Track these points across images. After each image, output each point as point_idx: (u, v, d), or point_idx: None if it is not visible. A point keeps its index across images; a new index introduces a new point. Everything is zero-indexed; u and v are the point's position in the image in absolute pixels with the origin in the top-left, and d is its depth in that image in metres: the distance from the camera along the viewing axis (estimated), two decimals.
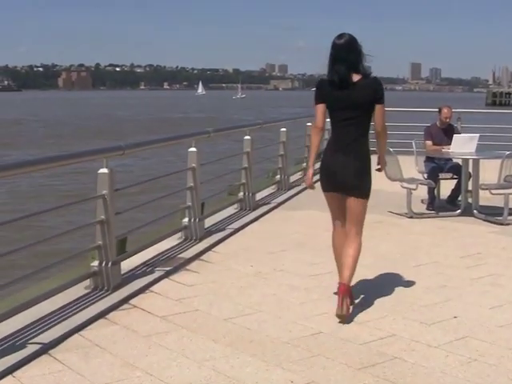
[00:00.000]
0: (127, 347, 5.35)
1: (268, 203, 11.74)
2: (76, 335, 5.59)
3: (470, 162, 10.73)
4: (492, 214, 10.35)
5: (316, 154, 6.30)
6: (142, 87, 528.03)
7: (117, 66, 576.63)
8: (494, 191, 10.07)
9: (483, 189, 10.36)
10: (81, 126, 61.83)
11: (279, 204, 11.77)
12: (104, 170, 6.73)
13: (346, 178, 6.02)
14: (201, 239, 8.89)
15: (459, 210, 10.72)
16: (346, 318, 5.85)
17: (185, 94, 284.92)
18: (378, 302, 6.44)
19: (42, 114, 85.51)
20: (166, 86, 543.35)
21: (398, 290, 6.82)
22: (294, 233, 9.48)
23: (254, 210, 11.03)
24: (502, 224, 9.97)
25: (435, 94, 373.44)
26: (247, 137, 11.13)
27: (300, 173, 15.26)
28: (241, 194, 11.10)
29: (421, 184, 10.71)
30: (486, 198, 10.69)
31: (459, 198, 11.06)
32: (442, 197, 11.58)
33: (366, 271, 7.37)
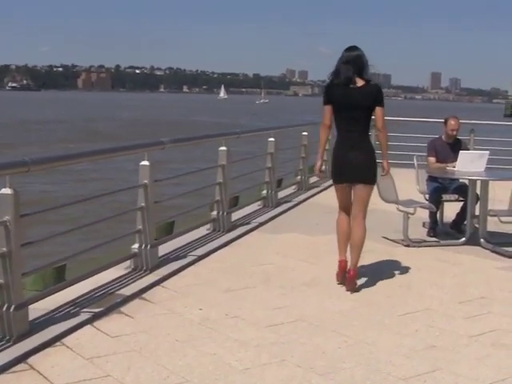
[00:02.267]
0: None
1: (247, 223, 10.31)
2: None
3: (478, 182, 9.24)
4: (502, 244, 8.88)
5: (324, 148, 7.30)
6: (162, 90, 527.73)
7: (137, 68, 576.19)
8: (503, 218, 8.58)
9: (491, 215, 8.88)
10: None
11: (260, 224, 10.32)
12: (6, 191, 5.33)
13: (358, 169, 6.90)
14: (152, 270, 7.51)
15: (464, 238, 9.24)
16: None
17: (207, 97, 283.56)
18: (344, 370, 4.97)
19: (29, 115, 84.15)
20: (185, 89, 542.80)
21: (373, 352, 5.35)
22: (267, 263, 8.04)
23: (228, 231, 9.62)
24: None
25: (454, 103, 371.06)
26: (222, 148, 9.69)
27: (294, 186, 13.84)
28: (214, 212, 9.68)
29: (421, 207, 9.22)
30: (496, 223, 9.23)
31: (465, 223, 9.54)
32: (446, 219, 10.09)
33: (340, 319, 6.00)
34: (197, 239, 9.07)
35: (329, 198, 11.87)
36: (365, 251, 8.32)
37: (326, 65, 7.41)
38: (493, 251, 8.81)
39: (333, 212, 10.41)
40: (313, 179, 14.81)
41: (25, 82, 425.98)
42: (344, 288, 7.01)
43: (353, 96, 6.83)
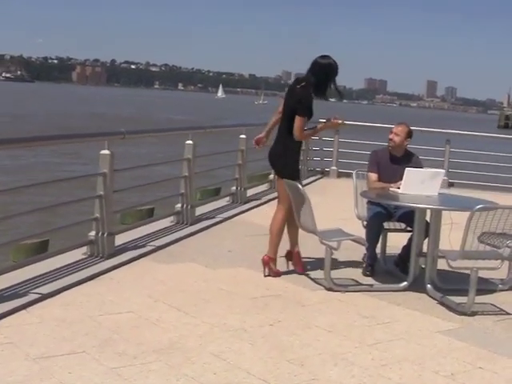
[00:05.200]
0: None
1: (141, 246, 8.17)
2: None
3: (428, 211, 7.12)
4: (456, 292, 6.77)
5: (269, 128, 7.70)
6: (157, 86, 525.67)
7: (132, 63, 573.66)
8: (453, 263, 6.44)
9: (439, 256, 6.77)
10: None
11: (157, 249, 8.18)
12: None
13: (271, 162, 7.43)
14: None
15: (405, 283, 7.10)
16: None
17: (204, 96, 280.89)
18: None
19: None
20: (180, 86, 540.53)
21: None
22: (125, 311, 5.91)
23: (109, 257, 7.47)
24: (464, 313, 6.34)
25: (449, 112, 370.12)
26: (105, 151, 7.55)
27: (227, 199, 11.67)
28: (92, 233, 7.55)
29: (352, 240, 7.09)
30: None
31: None
32: (394, 250, 7.93)
33: None
34: (62, 267, 6.97)
35: (264, 215, 9.82)
36: (268, 295, 6.32)
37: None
38: (440, 303, 6.67)
39: (259, 235, 8.45)
40: (253, 190, 12.68)
41: (19, 72, 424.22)
42: (207, 364, 4.88)
43: (286, 96, 7.30)
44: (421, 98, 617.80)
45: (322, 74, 7.07)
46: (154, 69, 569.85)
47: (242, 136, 11.72)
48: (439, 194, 7.31)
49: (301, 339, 5.43)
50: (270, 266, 7.22)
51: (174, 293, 6.48)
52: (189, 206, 9.59)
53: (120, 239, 8.07)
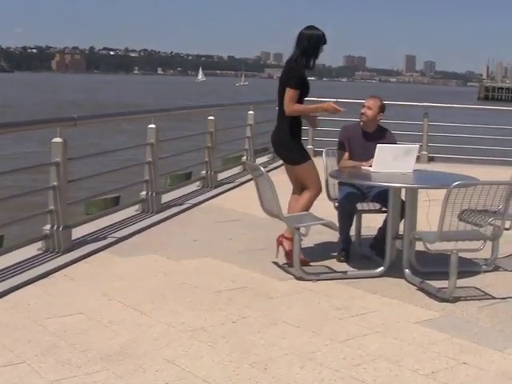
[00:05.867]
0: None
1: (101, 238, 7.67)
2: None
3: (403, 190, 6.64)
4: (436, 275, 6.32)
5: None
6: (136, 72, 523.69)
7: (111, 49, 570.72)
8: (431, 246, 5.96)
9: (416, 239, 6.29)
10: None
11: (119, 240, 7.69)
12: None
13: (274, 148, 7.14)
14: None
15: (382, 268, 6.61)
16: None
17: (184, 79, 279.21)
18: None
19: None
20: (159, 71, 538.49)
21: None
22: (76, 312, 5.41)
23: (65, 252, 6.98)
24: (445, 300, 5.87)
25: (428, 86, 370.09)
26: (57, 139, 7.04)
27: (197, 184, 11.17)
28: (47, 226, 7.04)
29: (322, 224, 6.59)
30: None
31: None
32: (370, 232, 7.46)
33: None
34: (13, 265, 6.48)
35: (236, 199, 9.39)
36: (233, 288, 5.84)
37: None
38: (419, 288, 6.20)
39: (228, 221, 8.06)
40: (225, 174, 12.18)
41: None
42: (159, 371, 4.36)
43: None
44: (400, 73, 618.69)
45: (306, 43, 6.68)
46: (133, 54, 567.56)
47: (210, 117, 11.22)
48: (414, 170, 6.83)
49: (266, 338, 4.94)
50: (284, 246, 6.76)
51: (131, 289, 5.97)
52: (154, 194, 9.08)
53: (79, 232, 7.58)
